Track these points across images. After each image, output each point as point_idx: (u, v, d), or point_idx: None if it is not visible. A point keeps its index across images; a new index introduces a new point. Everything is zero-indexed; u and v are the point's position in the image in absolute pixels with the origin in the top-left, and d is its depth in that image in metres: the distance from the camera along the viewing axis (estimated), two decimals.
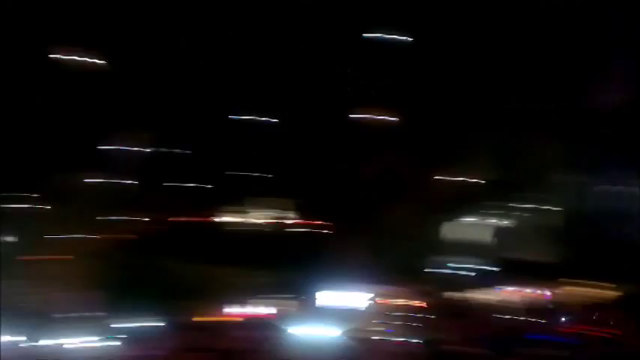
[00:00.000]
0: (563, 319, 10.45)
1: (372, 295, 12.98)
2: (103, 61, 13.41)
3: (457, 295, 13.79)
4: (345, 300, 13.00)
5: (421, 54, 14.70)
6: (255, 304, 12.24)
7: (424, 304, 12.70)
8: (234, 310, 12.04)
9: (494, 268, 14.69)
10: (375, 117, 14.82)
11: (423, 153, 14.93)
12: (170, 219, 13.71)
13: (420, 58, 14.71)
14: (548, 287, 13.76)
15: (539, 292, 13.86)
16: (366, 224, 14.64)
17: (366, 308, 12.79)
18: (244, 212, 14.35)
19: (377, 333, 11.66)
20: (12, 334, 10.49)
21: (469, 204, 15.60)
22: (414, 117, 14.95)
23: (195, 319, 11.24)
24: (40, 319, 10.93)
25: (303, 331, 11.43)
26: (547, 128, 14.65)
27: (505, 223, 15.57)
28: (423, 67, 14.76)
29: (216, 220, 14.14)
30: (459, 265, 14.90)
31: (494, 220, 15.61)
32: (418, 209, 15.21)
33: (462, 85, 15.11)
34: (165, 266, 12.75)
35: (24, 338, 10.58)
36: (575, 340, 9.44)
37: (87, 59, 13.25)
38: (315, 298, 12.98)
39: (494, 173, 15.37)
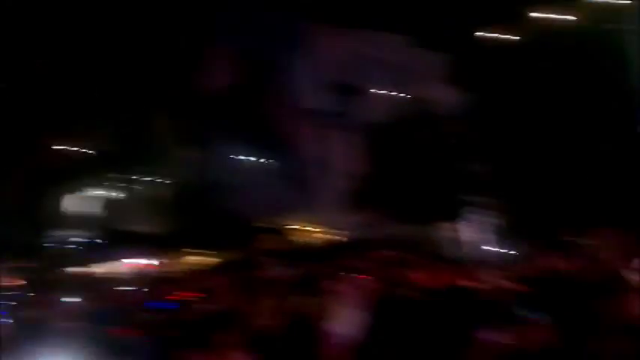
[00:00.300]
0: (171, 286, 10.48)
1: None
2: None
3: (66, 269, 13.25)
4: None
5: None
6: None
7: (21, 282, 11.92)
8: None
9: (108, 241, 14.40)
10: None
11: (33, 121, 14.12)
12: None
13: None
14: (160, 257, 13.81)
15: (150, 262, 13.85)
16: None
17: None
18: None
19: None
20: None
21: (85, 176, 15.11)
22: (25, 83, 14.07)
23: None
24: None
25: None
26: (164, 105, 14.65)
27: (121, 195, 15.33)
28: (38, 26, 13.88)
29: None
30: (70, 239, 14.37)
31: (110, 193, 15.29)
32: (27, 180, 14.38)
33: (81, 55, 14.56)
34: None
35: None
36: (174, 305, 9.48)
37: None
38: None
39: (111, 146, 15.04)
